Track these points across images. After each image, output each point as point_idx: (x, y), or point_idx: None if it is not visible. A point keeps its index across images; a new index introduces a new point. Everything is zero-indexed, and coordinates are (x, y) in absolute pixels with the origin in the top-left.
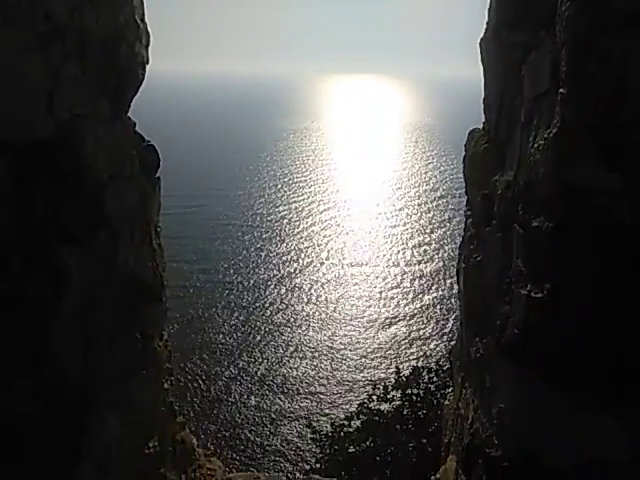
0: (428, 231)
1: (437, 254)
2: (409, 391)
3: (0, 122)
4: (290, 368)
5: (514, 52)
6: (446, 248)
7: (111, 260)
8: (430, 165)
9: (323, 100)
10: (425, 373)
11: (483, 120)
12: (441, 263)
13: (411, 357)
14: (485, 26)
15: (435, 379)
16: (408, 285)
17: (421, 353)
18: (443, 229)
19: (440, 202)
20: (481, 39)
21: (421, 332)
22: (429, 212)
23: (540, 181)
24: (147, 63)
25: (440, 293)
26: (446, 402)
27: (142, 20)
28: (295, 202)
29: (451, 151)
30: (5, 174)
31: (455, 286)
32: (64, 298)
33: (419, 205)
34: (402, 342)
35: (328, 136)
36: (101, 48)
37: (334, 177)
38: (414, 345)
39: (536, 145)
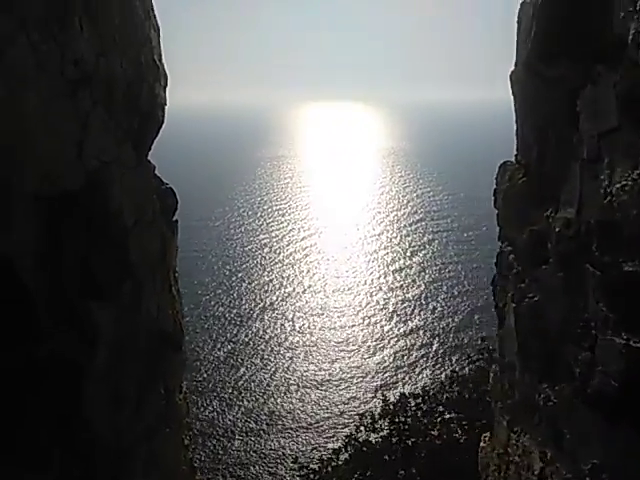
0: (409, 254)
1: (419, 278)
2: (397, 419)
3: (32, 174)
4: (276, 402)
5: (556, 86)
6: (427, 271)
7: (135, 311)
8: (407, 189)
9: (297, 128)
10: (412, 399)
11: (515, 153)
12: (423, 287)
13: (397, 384)
14: (515, 58)
15: (422, 405)
16: (391, 310)
17: (407, 379)
18: (424, 252)
19: (419, 225)
20: (512, 72)
21: (405, 358)
22: (408, 236)
23: (630, 222)
24: (165, 104)
25: (423, 317)
26: (482, 444)
27: (160, 60)
28: (275, 230)
29: (427, 174)
30: (36, 228)
31: (438, 308)
32: (96, 359)
33: (399, 229)
34: (388, 368)
35: (305, 163)
36: (125, 92)
37: (313, 204)
38: (399, 371)
39: (619, 185)
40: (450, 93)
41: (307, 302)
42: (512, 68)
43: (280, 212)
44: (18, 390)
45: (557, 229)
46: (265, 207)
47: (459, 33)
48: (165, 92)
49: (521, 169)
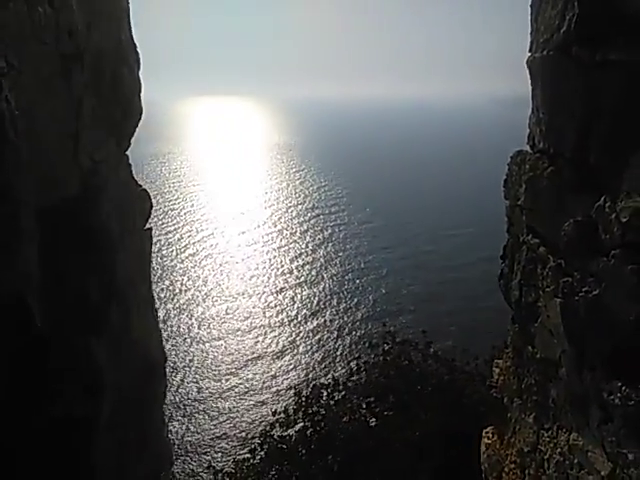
0: (310, 250)
1: (321, 273)
2: (310, 410)
3: (33, 179)
4: (186, 417)
5: (607, 72)
6: (329, 266)
7: (128, 343)
8: (304, 184)
9: (185, 123)
10: (324, 390)
11: (529, 142)
12: (326, 282)
13: (310, 378)
14: (534, 45)
15: (335, 394)
16: (297, 308)
17: (319, 372)
18: (324, 247)
19: (318, 220)
20: (532, 58)
21: (316, 354)
22: (308, 231)
23: None
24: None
25: (329, 312)
26: (487, 441)
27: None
28: (168, 233)
29: (322, 169)
30: (38, 248)
31: (342, 302)
32: (102, 412)
33: (298, 225)
34: (299, 366)
35: (195, 160)
36: (112, 74)
37: (207, 203)
38: (310, 367)
39: None
40: (348, 89)
41: (208, 309)
42: (528, 55)
43: (172, 213)
44: (35, 446)
45: (624, 219)
46: (155, 208)
47: (359, 31)
48: (140, 78)
49: (543, 159)
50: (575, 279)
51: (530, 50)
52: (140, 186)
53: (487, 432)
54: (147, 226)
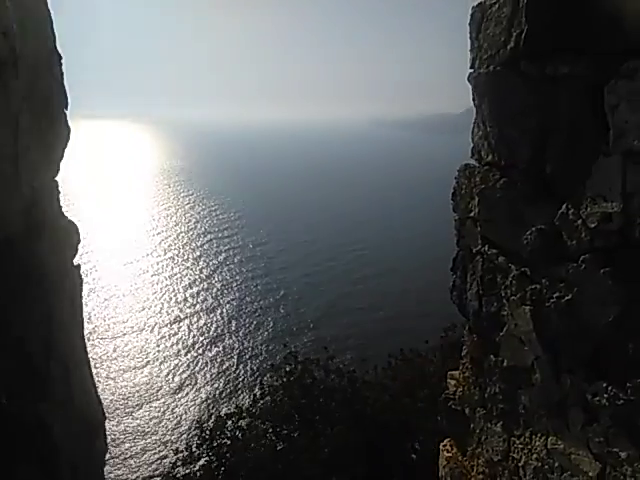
0: (204, 277)
1: (220, 299)
2: (215, 443)
3: None
4: None
5: (558, 85)
6: (226, 292)
7: (72, 408)
8: (194, 208)
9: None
10: (228, 419)
11: (476, 156)
12: (225, 308)
13: (213, 409)
14: (475, 61)
15: (240, 422)
16: (192, 339)
17: (223, 402)
18: (221, 272)
19: (211, 245)
20: (476, 75)
21: (217, 384)
22: (201, 256)
23: None
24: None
25: (228, 340)
26: (447, 454)
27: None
28: None
29: (212, 192)
30: None
31: (241, 326)
32: None
33: (191, 251)
34: (199, 399)
35: (70, 190)
36: (43, 85)
37: (90, 232)
38: (211, 398)
39: None
40: (246, 111)
41: (92, 349)
42: (470, 72)
43: None
44: None
45: (592, 224)
46: None
47: (259, 52)
48: (66, 91)
49: (494, 171)
50: (544, 286)
51: (472, 67)
52: (66, 217)
53: (445, 445)
54: (75, 263)
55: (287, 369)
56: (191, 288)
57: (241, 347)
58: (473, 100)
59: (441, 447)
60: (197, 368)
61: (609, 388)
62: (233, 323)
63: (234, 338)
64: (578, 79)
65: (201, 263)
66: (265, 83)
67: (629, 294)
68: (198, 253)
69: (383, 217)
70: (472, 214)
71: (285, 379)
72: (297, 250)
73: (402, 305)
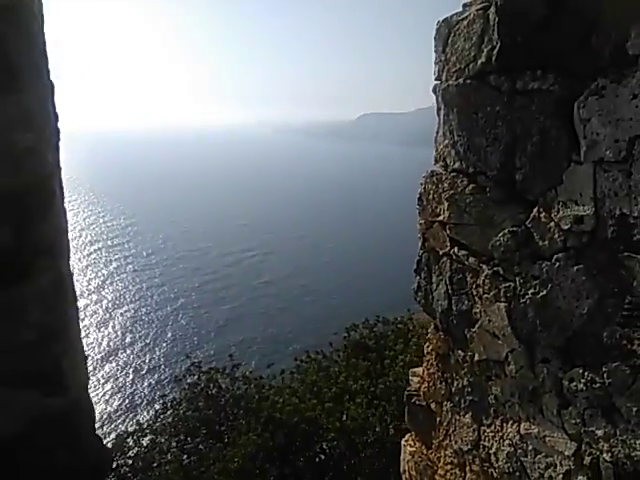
0: (93, 289)
1: (112, 311)
2: (115, 464)
3: None
4: None
5: (530, 99)
6: (122, 302)
7: None
8: (77, 215)
9: None
10: (129, 437)
11: (442, 163)
12: (119, 321)
13: (109, 431)
14: (442, 73)
15: (142, 440)
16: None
17: (124, 419)
18: (112, 283)
19: (99, 254)
20: (444, 87)
21: (116, 401)
22: (89, 267)
23: None
24: None
25: (123, 355)
26: (410, 449)
27: None
28: None
29: (95, 197)
30: None
31: (138, 340)
32: None
33: (76, 261)
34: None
35: None
36: None
37: None
38: (108, 418)
39: None
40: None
41: None
42: (437, 83)
43: None
44: None
45: (566, 226)
46: None
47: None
48: None
49: (461, 177)
50: (518, 283)
51: (439, 79)
52: None
53: (407, 440)
54: None
55: (190, 380)
56: (78, 301)
57: (138, 361)
58: (438, 110)
59: (403, 442)
60: (90, 386)
61: (585, 373)
62: (128, 336)
63: (129, 352)
64: (548, 93)
65: (89, 274)
66: (161, 85)
67: (601, 288)
68: (85, 263)
69: (284, 221)
70: (441, 218)
71: (189, 391)
72: (194, 257)
73: (305, 308)
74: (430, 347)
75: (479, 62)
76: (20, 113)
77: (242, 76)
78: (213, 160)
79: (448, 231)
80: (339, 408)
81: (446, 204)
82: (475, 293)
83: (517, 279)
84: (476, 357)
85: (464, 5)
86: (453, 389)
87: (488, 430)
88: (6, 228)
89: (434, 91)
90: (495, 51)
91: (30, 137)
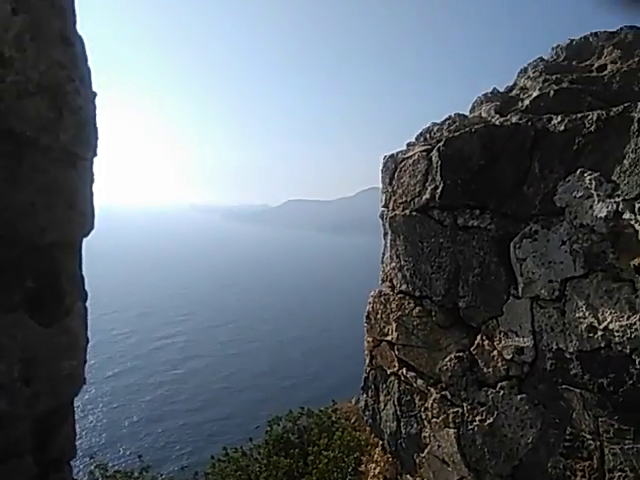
0: None
1: None
2: None
3: None
4: None
5: (470, 234)
6: None
7: None
8: None
9: None
10: None
11: (389, 284)
12: None
13: None
14: (389, 202)
15: None
16: None
17: None
18: None
19: None
20: (391, 215)
21: None
22: None
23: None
24: None
25: None
26: (374, 467)
27: None
28: None
29: None
30: None
31: None
32: None
33: None
34: None
35: None
36: None
37: None
38: None
39: (614, 324)
40: None
41: None
42: (384, 210)
43: None
44: None
45: (508, 356)
46: None
47: None
48: None
49: (408, 299)
50: (466, 409)
51: (386, 206)
52: None
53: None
54: None
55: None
56: None
57: None
58: (385, 234)
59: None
60: None
61: None
62: None
63: None
64: (486, 231)
65: None
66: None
67: (543, 418)
68: None
69: (205, 305)
70: (389, 338)
71: None
72: (111, 343)
73: (222, 404)
74: (377, 470)
75: (424, 197)
76: (66, 342)
77: (165, 160)
78: (139, 240)
79: (396, 351)
80: None
81: (394, 325)
82: (424, 417)
83: (465, 405)
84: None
85: (408, 144)
86: None
87: None
88: None
89: (381, 217)
90: (438, 190)
91: (74, 364)
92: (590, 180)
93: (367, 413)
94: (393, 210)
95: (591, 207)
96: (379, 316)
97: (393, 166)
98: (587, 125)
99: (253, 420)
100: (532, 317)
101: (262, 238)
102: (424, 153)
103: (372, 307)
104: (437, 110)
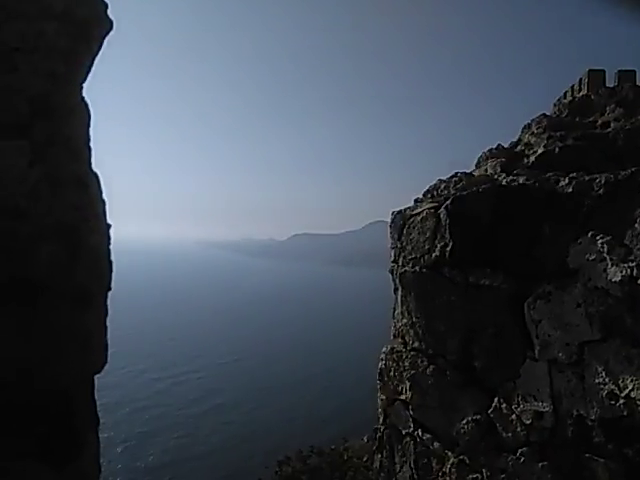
0: None
1: None
2: None
3: None
4: None
5: (475, 290)
6: None
7: None
8: None
9: None
10: None
11: (401, 340)
12: None
13: None
14: (399, 258)
15: None
16: None
17: None
18: None
19: None
20: (402, 271)
21: None
22: None
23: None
24: None
25: None
26: None
27: None
28: None
29: None
30: None
31: None
32: None
33: None
34: None
35: None
36: None
37: None
38: None
39: (630, 388)
40: None
41: None
42: (394, 266)
43: None
44: None
45: (527, 421)
46: None
47: None
48: None
49: (422, 357)
50: (485, 475)
51: (395, 262)
52: None
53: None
54: None
55: None
56: None
57: None
58: (395, 289)
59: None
60: None
61: None
62: None
63: None
64: (499, 290)
65: None
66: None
67: None
68: None
69: (213, 341)
70: (403, 397)
71: None
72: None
73: (227, 442)
74: None
75: (433, 255)
76: None
77: (166, 195)
78: (146, 274)
79: (411, 412)
80: None
81: (408, 384)
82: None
83: (484, 470)
84: None
85: (416, 200)
86: None
87: None
88: None
89: (391, 272)
90: (448, 248)
91: None
92: (602, 243)
93: (382, 475)
94: (403, 266)
95: (605, 270)
96: (392, 374)
97: (401, 222)
98: (595, 188)
99: (258, 462)
100: (550, 381)
101: (271, 272)
102: (432, 210)
103: (385, 364)
104: (437, 145)
